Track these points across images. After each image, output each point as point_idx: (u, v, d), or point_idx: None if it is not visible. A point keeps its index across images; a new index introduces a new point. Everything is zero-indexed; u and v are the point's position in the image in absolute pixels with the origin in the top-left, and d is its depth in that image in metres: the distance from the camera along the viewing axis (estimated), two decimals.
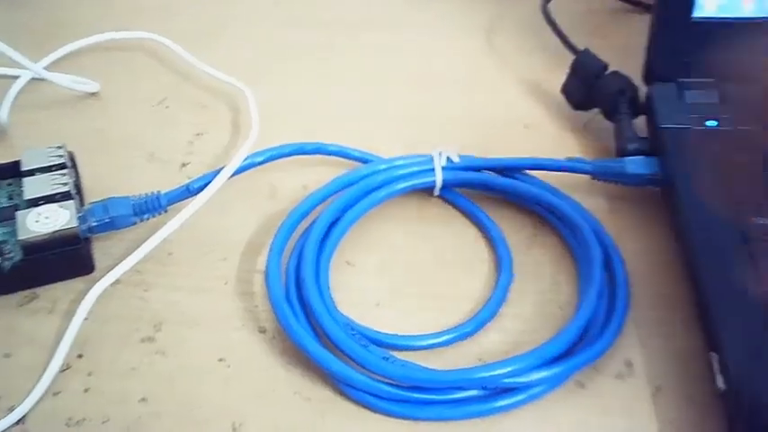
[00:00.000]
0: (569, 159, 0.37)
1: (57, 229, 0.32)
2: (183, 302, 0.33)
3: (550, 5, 0.45)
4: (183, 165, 0.39)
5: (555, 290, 0.34)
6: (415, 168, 0.37)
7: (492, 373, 0.28)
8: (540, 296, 0.34)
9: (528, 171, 0.37)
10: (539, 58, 0.46)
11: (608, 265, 0.33)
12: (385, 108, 0.43)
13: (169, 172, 0.39)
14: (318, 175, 0.38)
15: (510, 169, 0.37)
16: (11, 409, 0.29)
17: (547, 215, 0.36)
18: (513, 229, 0.36)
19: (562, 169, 0.37)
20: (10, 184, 0.35)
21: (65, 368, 0.30)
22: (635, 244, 0.35)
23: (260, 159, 0.37)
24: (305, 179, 0.38)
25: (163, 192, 0.35)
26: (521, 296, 0.34)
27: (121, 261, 0.33)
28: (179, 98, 0.43)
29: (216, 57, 0.43)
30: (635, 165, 0.36)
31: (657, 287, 0.34)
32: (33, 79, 0.43)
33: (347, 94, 0.43)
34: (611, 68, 0.40)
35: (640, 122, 0.39)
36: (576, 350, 0.30)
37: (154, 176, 0.38)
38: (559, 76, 0.42)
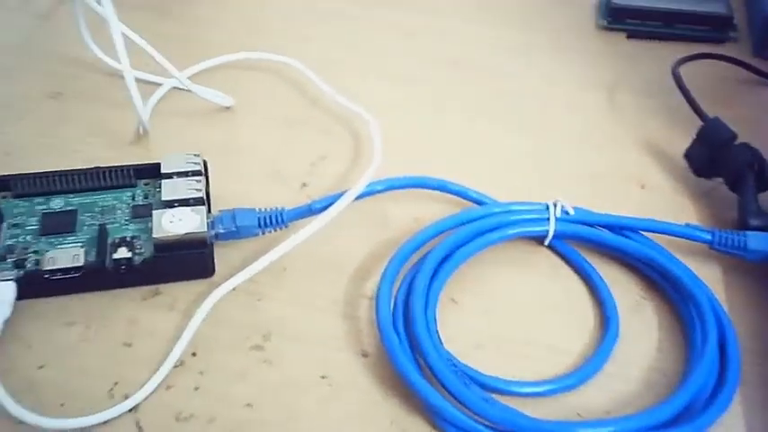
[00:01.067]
0: (688, 225, 0.37)
1: (188, 231, 0.33)
2: (292, 317, 0.34)
3: (681, 69, 0.44)
4: (303, 185, 0.41)
5: (661, 356, 0.33)
6: (530, 216, 0.37)
7: (592, 431, 0.28)
8: (645, 360, 0.33)
9: (643, 232, 0.37)
10: (662, 119, 0.45)
11: (719, 338, 0.33)
12: (502, 150, 0.43)
13: (289, 190, 0.40)
14: (430, 209, 0.39)
15: (625, 228, 0.37)
16: (125, 397, 0.30)
17: (658, 279, 0.36)
18: (621, 288, 0.36)
19: (680, 235, 0.36)
20: (147, 184, 0.38)
21: (179, 364, 0.32)
22: (749, 321, 0.35)
23: (380, 188, 0.38)
24: (417, 211, 0.39)
25: (286, 208, 0.36)
26: (625, 357, 0.33)
27: (240, 269, 0.34)
28: (306, 121, 0.44)
29: (343, 85, 0.45)
30: (758, 240, 0.35)
31: None
32: (173, 88, 0.45)
33: (466, 133, 0.44)
34: (740, 140, 0.39)
35: (766, 198, 0.38)
36: (679, 421, 0.30)
37: (275, 192, 0.40)
38: (682, 140, 0.41)
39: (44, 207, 0.36)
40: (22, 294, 0.32)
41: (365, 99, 0.44)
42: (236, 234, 0.35)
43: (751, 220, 0.36)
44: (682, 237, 0.37)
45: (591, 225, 0.37)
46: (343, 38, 0.51)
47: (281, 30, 0.51)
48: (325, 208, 0.36)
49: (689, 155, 0.41)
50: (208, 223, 0.34)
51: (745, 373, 0.32)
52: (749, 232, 0.36)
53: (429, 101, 0.46)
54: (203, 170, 0.37)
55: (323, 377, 0.32)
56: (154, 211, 0.34)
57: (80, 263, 0.33)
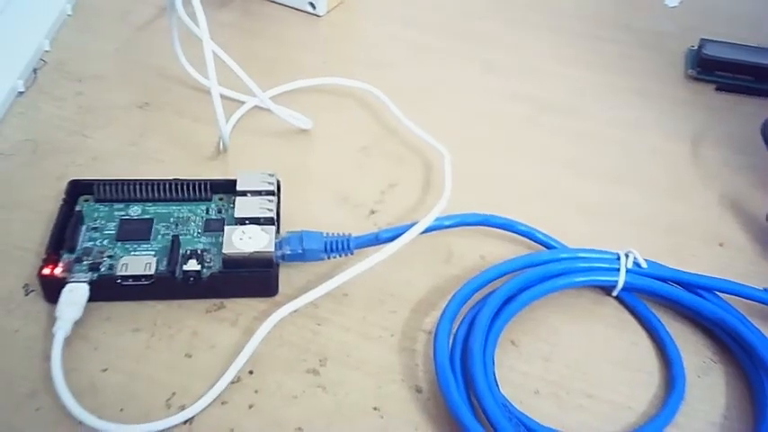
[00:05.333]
0: (766, 290, 0.35)
1: (256, 249, 0.34)
2: (349, 344, 0.34)
3: None
4: (372, 212, 0.41)
5: (726, 423, 0.32)
6: (599, 264, 0.36)
7: None
8: (709, 425, 0.32)
9: (717, 292, 0.36)
10: (746, 177, 0.44)
11: None
12: (576, 195, 0.42)
13: (357, 216, 0.40)
14: (496, 248, 0.39)
15: (699, 287, 0.36)
16: (182, 407, 0.31)
17: (730, 342, 0.34)
18: (690, 348, 0.35)
19: (757, 299, 0.35)
20: (221, 199, 0.38)
21: (235, 380, 0.32)
22: None
23: (448, 223, 0.38)
24: (483, 249, 0.39)
25: (353, 235, 0.36)
26: (688, 420, 0.32)
27: (302, 292, 0.34)
28: (380, 148, 0.45)
29: (421, 116, 0.45)
30: None
31: None
32: (255, 107, 0.46)
33: (540, 174, 0.44)
34: None
35: None
36: None
37: (343, 218, 0.40)
38: (766, 201, 0.40)
39: (123, 213, 0.37)
40: (93, 297, 0.34)
41: (441, 132, 0.44)
42: (301, 256, 0.36)
43: None
44: (759, 302, 0.35)
45: (663, 280, 0.36)
46: (427, 70, 0.51)
47: (365, 58, 0.52)
48: (393, 239, 0.36)
49: None
50: (275, 243, 0.35)
51: None
52: None
53: (506, 139, 0.46)
54: (276, 190, 0.38)
55: (375, 408, 0.32)
56: (225, 227, 0.35)
57: (151, 271, 0.34)
